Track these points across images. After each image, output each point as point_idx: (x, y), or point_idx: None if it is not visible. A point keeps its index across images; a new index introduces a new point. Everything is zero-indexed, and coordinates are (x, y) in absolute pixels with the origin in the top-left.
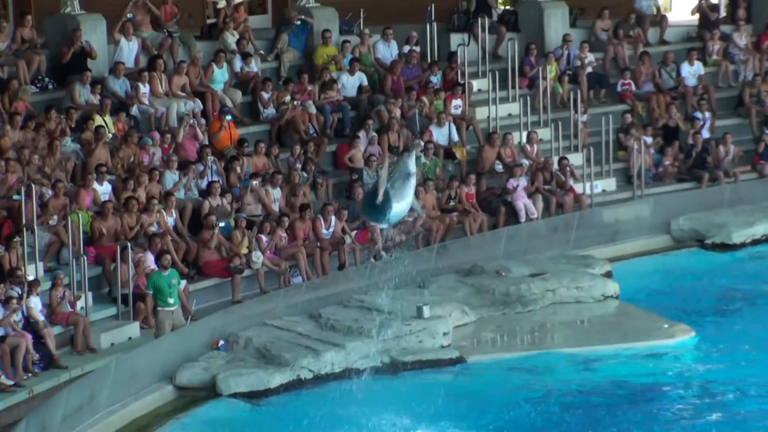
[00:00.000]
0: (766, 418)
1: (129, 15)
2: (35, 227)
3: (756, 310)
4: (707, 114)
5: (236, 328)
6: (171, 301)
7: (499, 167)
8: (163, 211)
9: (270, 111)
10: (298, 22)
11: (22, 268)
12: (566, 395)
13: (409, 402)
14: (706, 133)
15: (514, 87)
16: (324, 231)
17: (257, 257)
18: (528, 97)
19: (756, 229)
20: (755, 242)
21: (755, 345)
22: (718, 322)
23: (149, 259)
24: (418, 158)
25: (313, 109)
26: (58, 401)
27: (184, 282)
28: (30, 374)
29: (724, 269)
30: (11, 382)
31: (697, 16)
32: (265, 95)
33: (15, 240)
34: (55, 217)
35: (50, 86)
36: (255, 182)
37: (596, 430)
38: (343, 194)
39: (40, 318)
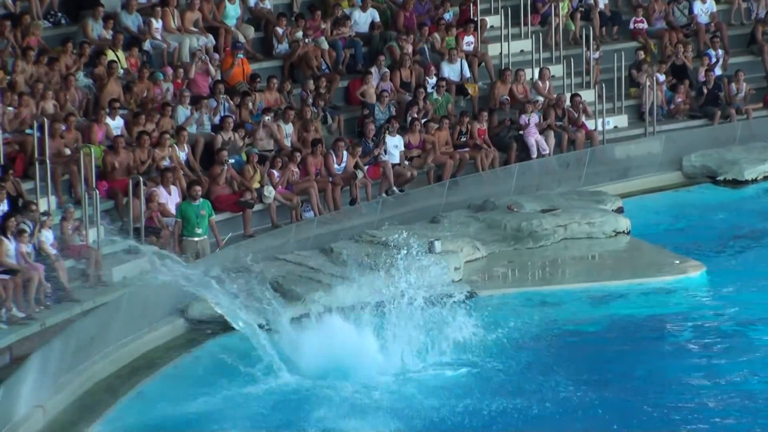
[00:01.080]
0: None
1: None
2: (47, 161)
3: (766, 245)
4: (720, 51)
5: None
6: (198, 231)
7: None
8: (175, 145)
9: (283, 47)
10: None
11: (36, 203)
12: (577, 330)
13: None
14: (718, 71)
15: (526, 24)
16: (336, 166)
17: (269, 192)
18: (540, 34)
19: (767, 166)
20: (766, 178)
21: (765, 280)
22: (728, 257)
23: (161, 194)
24: None
25: (325, 45)
26: (70, 334)
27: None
28: (42, 307)
29: (735, 205)
30: (23, 315)
31: None
32: (280, 30)
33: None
34: (68, 150)
35: (63, 21)
36: (267, 117)
37: (607, 365)
38: (355, 130)
39: (52, 251)
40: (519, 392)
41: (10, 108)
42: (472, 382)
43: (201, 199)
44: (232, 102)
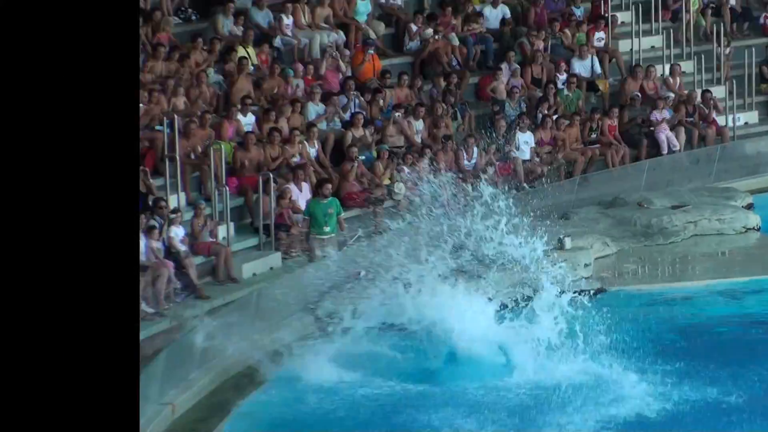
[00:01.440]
0: None
1: None
2: (177, 158)
3: None
4: None
5: (380, 259)
6: (326, 229)
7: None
8: (305, 142)
9: (414, 43)
10: None
11: (166, 199)
12: (708, 327)
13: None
14: None
15: (657, 20)
16: (466, 162)
17: (399, 188)
18: (671, 30)
19: None
20: None
21: None
22: None
23: (292, 190)
24: None
25: (456, 41)
26: (200, 330)
27: None
28: (172, 304)
29: None
30: (153, 311)
31: None
32: (413, 27)
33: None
34: (198, 148)
35: (193, 17)
36: (397, 114)
37: (738, 364)
38: (486, 126)
39: (182, 248)
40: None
41: (141, 105)
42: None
43: (330, 197)
44: (362, 98)
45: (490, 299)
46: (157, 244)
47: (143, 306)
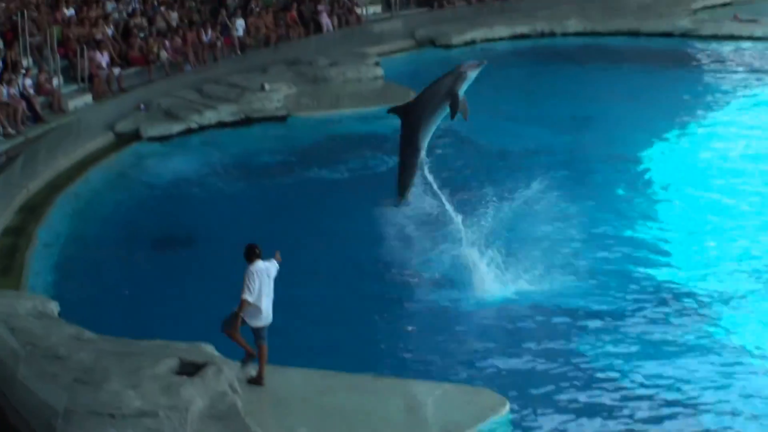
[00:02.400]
0: None
1: None
2: (27, 35)
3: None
4: None
5: (151, 97)
6: None
7: None
8: (105, 25)
9: None
10: None
11: (22, 61)
12: (349, 137)
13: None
14: None
15: None
16: (205, 37)
17: (163, 55)
18: None
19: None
20: (467, 43)
21: None
22: None
23: (97, 56)
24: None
25: None
26: (43, 142)
27: (117, 70)
28: (25, 126)
29: (447, 59)
30: (14, 131)
31: None
32: None
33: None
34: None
35: None
36: (162, 8)
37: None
38: (216, 14)
39: (31, 92)
40: None
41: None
42: None
43: None
44: None
45: None
46: (14, 90)
47: (8, 129)
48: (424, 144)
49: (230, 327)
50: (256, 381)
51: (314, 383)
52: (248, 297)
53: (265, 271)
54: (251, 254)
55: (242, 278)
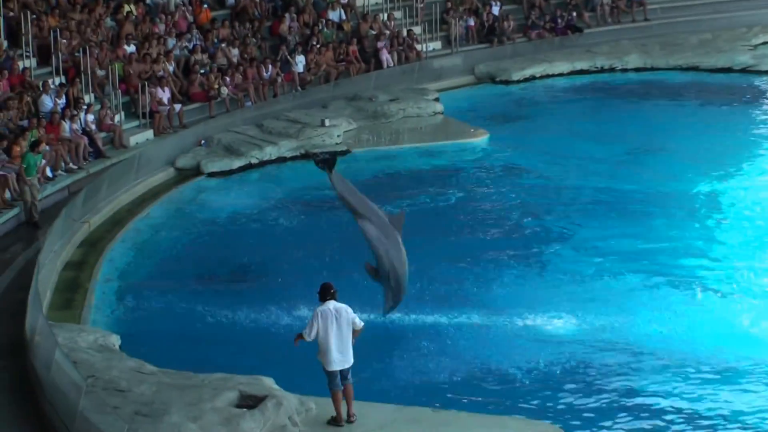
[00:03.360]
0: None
1: None
2: (89, 72)
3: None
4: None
5: (212, 132)
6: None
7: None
8: (166, 62)
9: (231, 1)
10: None
11: (84, 98)
12: (412, 173)
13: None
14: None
15: None
16: (265, 74)
17: (223, 91)
18: None
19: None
20: (527, 80)
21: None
22: (505, 128)
23: (159, 93)
24: None
25: None
26: (105, 177)
27: (178, 106)
28: (87, 162)
29: (508, 96)
30: (76, 166)
31: None
32: None
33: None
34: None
35: None
36: (222, 44)
37: (416, 196)
38: (276, 51)
39: (93, 127)
40: None
41: (64, 41)
42: None
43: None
44: (201, 35)
45: None
46: (76, 126)
47: (71, 165)
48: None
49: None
50: (334, 422)
51: (375, 417)
52: (306, 336)
53: (333, 313)
54: (324, 293)
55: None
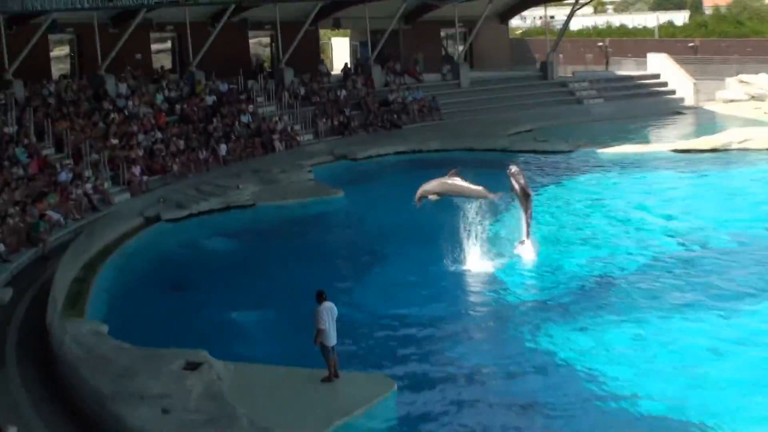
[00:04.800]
0: None
1: None
2: (88, 156)
3: (372, 184)
4: None
5: (167, 194)
6: None
7: None
8: (136, 147)
9: None
10: None
11: (84, 173)
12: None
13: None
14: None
15: None
16: (201, 156)
17: (175, 167)
18: None
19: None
20: (371, 157)
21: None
22: (355, 190)
23: (134, 169)
24: None
25: None
26: (98, 223)
27: (146, 177)
28: (86, 213)
29: (357, 171)
30: (79, 217)
31: None
32: None
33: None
34: (95, 156)
35: None
36: None
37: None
38: None
39: (90, 191)
40: None
41: None
42: None
43: None
44: None
45: None
46: (79, 191)
47: (75, 215)
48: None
49: (317, 342)
50: (327, 379)
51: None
52: (320, 326)
53: (329, 309)
54: (320, 297)
55: (315, 315)
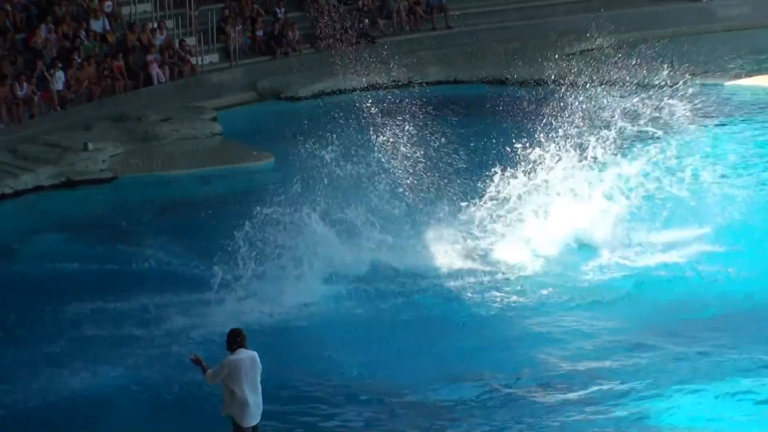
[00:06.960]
0: None
1: None
2: None
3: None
4: (282, 9)
5: None
6: None
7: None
8: None
9: None
10: None
11: None
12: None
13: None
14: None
15: None
16: (20, 92)
17: None
18: None
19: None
20: (314, 95)
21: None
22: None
23: None
24: None
25: None
26: None
27: None
28: None
29: (293, 114)
30: None
31: None
32: None
33: None
34: None
35: None
36: None
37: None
38: (30, 67)
39: None
40: None
41: None
42: None
43: None
44: None
45: None
46: None
47: None
48: None
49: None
50: None
51: None
52: (209, 380)
53: (247, 364)
54: (232, 341)
55: (220, 370)
